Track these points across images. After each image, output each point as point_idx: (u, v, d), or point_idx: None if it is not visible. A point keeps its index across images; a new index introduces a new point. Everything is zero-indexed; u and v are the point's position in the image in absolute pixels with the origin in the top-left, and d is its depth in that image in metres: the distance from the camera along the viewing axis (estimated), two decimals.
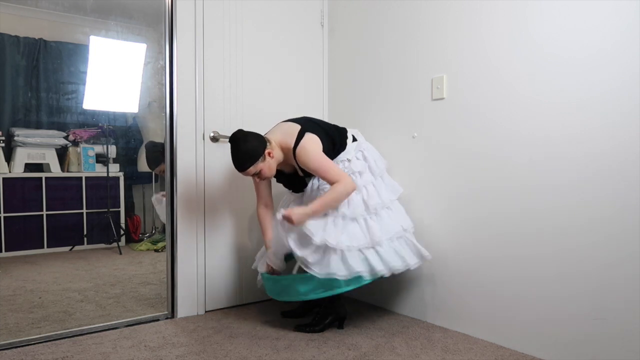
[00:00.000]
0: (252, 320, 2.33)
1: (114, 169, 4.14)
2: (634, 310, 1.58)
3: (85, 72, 4.05)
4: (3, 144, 3.76)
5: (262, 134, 2.14)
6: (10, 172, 3.82)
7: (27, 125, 3.96)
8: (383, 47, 2.52)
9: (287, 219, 1.97)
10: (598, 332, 1.67)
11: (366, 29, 2.62)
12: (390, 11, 2.47)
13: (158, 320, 2.34)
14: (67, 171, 4.09)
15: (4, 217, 3.72)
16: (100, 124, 4.15)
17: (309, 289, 2.02)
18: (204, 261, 2.45)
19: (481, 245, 2.06)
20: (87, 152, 4.10)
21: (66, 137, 4.07)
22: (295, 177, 2.25)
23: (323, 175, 2.06)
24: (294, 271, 2.09)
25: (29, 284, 2.97)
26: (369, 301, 2.62)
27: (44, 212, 3.89)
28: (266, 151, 2.06)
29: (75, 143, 4.10)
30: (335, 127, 2.30)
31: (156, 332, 2.16)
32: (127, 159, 4.30)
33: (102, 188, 4.08)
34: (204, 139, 2.43)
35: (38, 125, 3.99)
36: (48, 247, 3.90)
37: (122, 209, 4.16)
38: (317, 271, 1.96)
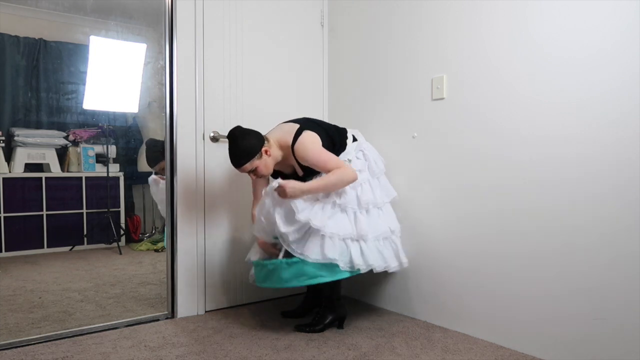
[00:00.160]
0: (252, 320, 2.33)
1: (114, 169, 4.14)
2: (634, 310, 1.58)
3: (85, 72, 4.05)
4: (3, 144, 3.76)
5: (262, 133, 2.14)
6: (10, 172, 3.82)
7: (27, 125, 3.96)
8: (383, 47, 2.52)
9: (281, 190, 1.95)
10: (598, 332, 1.67)
11: (366, 29, 2.62)
12: (390, 11, 2.47)
13: (158, 320, 2.34)
14: (67, 171, 4.09)
15: (4, 217, 3.72)
16: (100, 124, 4.15)
17: (291, 276, 2.00)
18: (204, 261, 2.45)
19: (481, 245, 2.06)
20: (87, 152, 4.10)
21: (66, 137, 4.07)
22: (295, 178, 2.24)
23: (323, 166, 2.05)
24: (280, 256, 2.08)
25: (29, 284, 2.97)
26: (369, 301, 2.62)
27: (44, 212, 3.89)
28: (263, 149, 2.06)
29: (75, 143, 4.10)
30: (336, 127, 2.30)
31: (156, 332, 2.16)
32: (127, 159, 4.30)
33: (102, 188, 4.08)
34: (204, 139, 2.43)
35: (38, 125, 3.99)
36: (48, 247, 3.90)
37: (122, 209, 4.16)
38: (297, 251, 1.96)
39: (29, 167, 3.91)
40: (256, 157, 2.04)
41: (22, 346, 1.98)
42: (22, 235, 3.82)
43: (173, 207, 2.38)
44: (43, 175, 3.92)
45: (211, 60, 2.44)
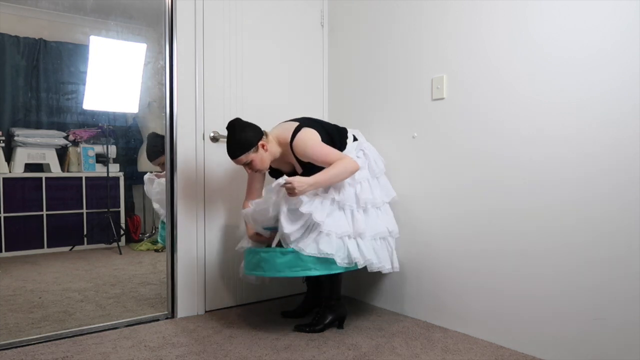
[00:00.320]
0: (252, 320, 2.33)
1: (114, 169, 4.13)
2: (634, 310, 1.58)
3: (85, 72, 4.05)
4: (3, 144, 3.76)
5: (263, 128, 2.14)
6: (10, 172, 3.82)
7: (27, 125, 3.96)
8: (383, 47, 2.52)
9: (290, 188, 1.92)
10: (598, 332, 1.67)
11: (366, 29, 2.62)
12: (390, 11, 2.47)
13: (158, 320, 2.34)
14: (67, 171, 4.08)
15: (4, 217, 3.72)
16: (100, 124, 4.15)
17: (284, 265, 1.99)
18: (204, 261, 2.45)
19: (481, 244, 2.06)
20: (87, 152, 4.10)
21: (66, 137, 4.07)
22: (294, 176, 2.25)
23: (324, 159, 2.04)
24: (274, 244, 2.07)
25: (29, 284, 2.97)
26: (369, 301, 2.62)
27: (44, 212, 3.89)
28: (260, 143, 2.07)
29: (75, 143, 4.10)
30: (336, 126, 2.30)
31: (156, 332, 2.16)
32: (127, 159, 4.30)
33: (102, 188, 4.08)
34: (204, 139, 2.43)
35: (38, 125, 3.99)
36: (48, 247, 3.89)
37: (122, 209, 4.16)
38: (291, 246, 1.95)
39: (29, 167, 3.91)
40: (252, 150, 2.05)
41: (22, 346, 1.98)
42: (22, 235, 3.82)
43: (173, 207, 2.38)
44: (43, 175, 3.91)
45: (211, 60, 2.44)
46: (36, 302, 2.59)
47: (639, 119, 1.58)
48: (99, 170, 4.10)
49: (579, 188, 1.73)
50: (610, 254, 1.65)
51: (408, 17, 2.38)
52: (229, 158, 2.30)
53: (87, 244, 4.05)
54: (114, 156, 4.16)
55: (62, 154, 4.08)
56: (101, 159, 4.11)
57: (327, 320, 2.17)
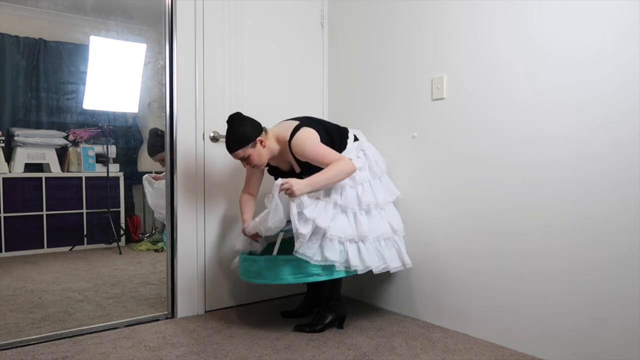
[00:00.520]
0: (252, 320, 2.33)
1: (114, 169, 4.14)
2: (634, 310, 1.58)
3: (85, 72, 4.05)
4: (3, 144, 3.76)
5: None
6: (10, 172, 3.82)
7: (27, 125, 3.96)
8: (383, 47, 2.52)
9: (289, 191, 1.92)
10: (598, 332, 1.67)
11: (366, 29, 2.62)
12: (390, 11, 2.47)
13: (158, 320, 2.34)
14: (67, 171, 4.09)
15: (4, 217, 3.72)
16: (100, 124, 4.15)
17: (287, 273, 1.99)
18: (204, 261, 2.45)
19: (481, 244, 2.06)
20: (87, 152, 4.10)
21: (66, 137, 4.07)
22: (292, 176, 2.25)
23: (321, 160, 2.03)
24: (274, 252, 2.07)
25: (29, 284, 2.97)
26: (369, 301, 2.62)
27: (44, 212, 3.89)
28: (258, 138, 2.07)
29: (75, 143, 4.10)
30: (337, 126, 2.30)
31: (156, 332, 2.16)
32: (127, 159, 4.30)
33: (102, 188, 4.08)
34: (204, 139, 2.43)
35: (38, 125, 3.99)
36: (48, 247, 3.90)
37: (122, 209, 4.16)
38: (298, 251, 1.94)
39: (29, 167, 3.91)
40: (250, 145, 2.06)
41: (22, 346, 1.98)
42: (22, 235, 3.82)
43: (173, 207, 2.38)
44: (43, 175, 3.92)
45: (211, 60, 2.44)
46: (36, 302, 2.59)
47: (639, 119, 1.58)
48: (99, 170, 4.11)
49: (579, 188, 1.73)
50: (610, 254, 1.65)
51: (408, 17, 2.38)
52: (229, 158, 2.31)
53: (87, 244, 4.05)
54: (114, 156, 4.17)
55: (62, 154, 4.08)
56: (101, 159, 4.11)
57: (327, 320, 2.17)
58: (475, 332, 2.08)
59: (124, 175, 4.19)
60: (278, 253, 2.14)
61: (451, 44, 2.18)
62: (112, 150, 4.13)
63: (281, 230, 2.09)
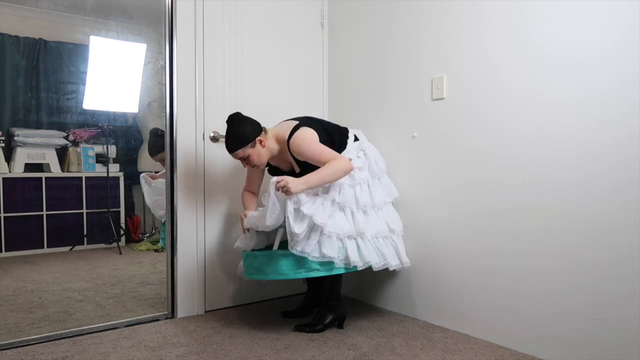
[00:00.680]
0: (252, 320, 2.33)
1: (114, 169, 4.14)
2: (634, 310, 1.58)
3: (85, 72, 4.05)
4: (3, 144, 3.76)
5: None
6: (10, 172, 3.82)
7: (27, 125, 3.96)
8: (383, 47, 2.52)
9: (285, 188, 1.91)
10: (598, 332, 1.67)
11: (366, 29, 2.62)
12: (390, 11, 2.47)
13: (158, 320, 2.34)
14: (67, 171, 4.09)
15: (4, 217, 3.72)
16: (100, 124, 4.15)
17: (287, 268, 1.99)
18: (204, 261, 2.45)
19: (481, 245, 2.06)
20: (87, 152, 4.10)
21: (66, 137, 4.07)
22: (292, 175, 2.24)
23: (318, 159, 2.03)
24: (275, 247, 2.07)
25: (29, 284, 2.97)
26: (369, 301, 2.62)
27: (44, 212, 3.89)
28: (258, 138, 2.07)
29: (75, 143, 4.10)
30: (337, 126, 2.30)
31: (156, 332, 2.16)
32: (127, 159, 4.30)
33: (102, 188, 4.08)
34: (204, 139, 2.43)
35: (38, 125, 3.99)
36: (48, 247, 3.90)
37: (122, 209, 4.16)
38: (297, 249, 1.94)
39: (29, 167, 3.91)
40: (249, 145, 2.06)
41: (22, 346, 1.98)
42: (22, 235, 3.82)
43: (173, 207, 2.38)
44: (43, 175, 3.92)
45: (211, 60, 2.44)
46: (36, 302, 2.59)
47: (639, 119, 1.58)
48: (99, 170, 4.11)
49: (579, 188, 1.73)
50: (610, 253, 1.65)
51: (408, 17, 2.38)
52: (229, 158, 2.31)
53: (87, 244, 4.05)
54: (114, 156, 4.17)
55: (62, 154, 4.09)
56: (101, 159, 4.11)
57: (327, 320, 2.17)
58: (475, 332, 2.08)
59: (124, 175, 4.19)
60: (279, 249, 2.14)
61: (451, 44, 2.18)
62: (112, 150, 4.13)
63: (281, 226, 2.10)
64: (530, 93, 1.88)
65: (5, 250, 3.72)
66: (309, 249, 1.94)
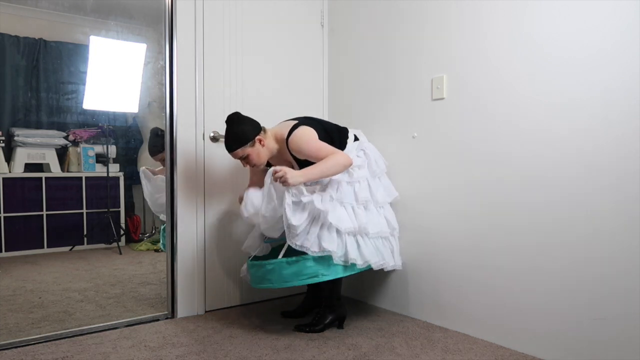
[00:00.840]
0: (252, 320, 2.33)
1: (114, 169, 4.14)
2: (634, 309, 1.58)
3: (85, 72, 4.05)
4: (3, 144, 3.76)
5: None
6: (10, 172, 3.82)
7: (27, 125, 3.96)
8: (383, 47, 2.52)
9: (283, 178, 1.90)
10: (598, 332, 1.67)
11: (366, 29, 2.62)
12: (390, 11, 2.47)
13: (158, 320, 2.34)
14: (67, 171, 4.09)
15: (4, 217, 3.72)
16: (100, 124, 4.15)
17: (291, 274, 1.99)
18: (204, 261, 2.45)
19: (481, 245, 2.06)
20: (87, 152, 4.10)
21: (66, 137, 4.07)
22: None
23: (317, 154, 2.03)
24: (280, 256, 2.07)
25: (29, 284, 2.97)
26: (369, 301, 2.62)
27: (44, 212, 3.89)
28: (257, 137, 2.07)
29: (75, 143, 4.10)
30: (337, 126, 2.31)
31: (156, 332, 2.16)
32: (127, 159, 4.30)
33: (102, 188, 4.08)
34: (204, 139, 2.43)
35: (38, 125, 3.99)
36: (48, 247, 3.90)
37: (122, 209, 4.16)
38: (296, 243, 1.94)
39: (29, 167, 3.91)
40: (248, 144, 2.06)
41: (22, 346, 1.98)
42: (22, 235, 3.82)
43: (173, 207, 2.38)
44: (43, 175, 3.92)
45: (211, 60, 2.44)
46: (36, 302, 2.59)
47: (638, 119, 1.58)
48: (99, 170, 4.11)
49: (579, 187, 1.73)
50: (611, 252, 1.65)
51: (408, 17, 2.38)
52: (229, 158, 2.31)
53: (87, 244, 4.05)
54: (114, 156, 4.17)
55: (62, 153, 4.08)
56: (101, 159, 4.11)
57: (327, 320, 2.17)
58: (475, 332, 2.08)
59: (124, 175, 4.19)
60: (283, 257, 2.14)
61: (451, 44, 2.18)
62: (112, 150, 4.13)
63: (267, 241, 2.14)
64: (530, 93, 1.88)
65: (5, 250, 3.72)
66: (308, 244, 1.94)
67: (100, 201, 4.07)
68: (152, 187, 3.74)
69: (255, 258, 2.24)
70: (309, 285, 2.42)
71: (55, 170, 3.99)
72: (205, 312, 2.45)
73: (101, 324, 2.22)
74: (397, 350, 1.94)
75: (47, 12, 4.02)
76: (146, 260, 3.65)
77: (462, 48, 2.13)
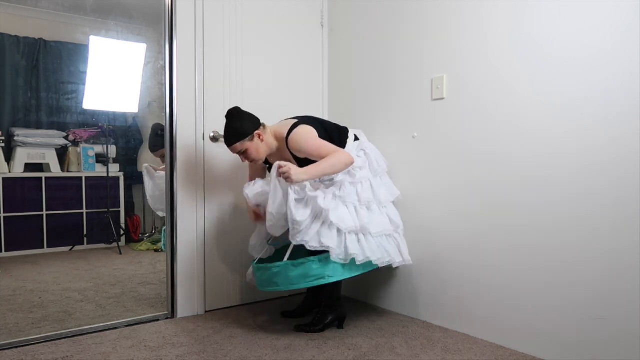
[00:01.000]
0: (252, 320, 2.33)
1: (114, 169, 4.14)
2: (634, 309, 1.58)
3: (85, 72, 4.06)
4: (3, 144, 3.77)
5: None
6: (10, 172, 3.83)
7: (27, 125, 3.97)
8: (383, 47, 2.52)
9: (287, 175, 1.91)
10: (598, 332, 1.67)
11: (366, 29, 2.62)
12: (390, 11, 2.47)
13: (158, 320, 2.34)
14: (67, 171, 4.09)
15: (4, 217, 3.73)
16: (100, 124, 4.16)
17: (297, 277, 1.99)
18: (204, 261, 2.45)
19: (482, 245, 2.06)
20: (87, 152, 4.10)
21: (66, 137, 4.07)
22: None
23: (317, 153, 2.03)
24: (286, 258, 2.07)
25: (29, 284, 2.97)
26: (369, 301, 2.62)
27: (44, 212, 3.90)
28: (256, 132, 2.08)
29: (75, 143, 4.11)
30: (337, 126, 2.30)
31: (156, 332, 2.17)
32: (127, 159, 4.31)
33: (102, 188, 4.09)
34: (204, 139, 2.43)
35: (38, 125, 4.00)
36: (48, 247, 3.90)
37: (122, 209, 4.17)
38: (297, 239, 1.94)
39: (29, 167, 3.91)
40: (247, 139, 2.06)
41: (22, 346, 1.98)
42: (22, 235, 3.82)
43: (173, 207, 2.38)
44: (43, 175, 3.92)
45: (211, 60, 2.44)
46: (36, 302, 2.59)
47: (638, 119, 1.58)
48: (99, 170, 4.11)
49: (580, 187, 1.73)
50: (611, 252, 1.65)
51: (408, 16, 2.38)
52: (229, 158, 2.31)
53: (87, 244, 4.05)
54: (114, 156, 4.17)
55: (62, 154, 4.09)
56: (101, 159, 4.12)
57: (327, 320, 2.17)
58: (475, 332, 2.08)
59: (124, 175, 4.19)
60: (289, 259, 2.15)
61: (451, 44, 2.18)
62: (112, 150, 4.13)
63: (272, 244, 2.12)
64: (530, 93, 1.88)
65: (5, 250, 3.73)
66: (308, 238, 1.94)
67: (100, 201, 4.08)
68: (154, 184, 3.74)
69: (260, 261, 2.24)
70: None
71: (55, 170, 3.99)
72: (205, 312, 2.46)
73: (101, 324, 2.22)
74: (397, 350, 1.94)
75: (47, 12, 4.02)
76: (146, 260, 3.65)
77: (462, 48, 2.13)
